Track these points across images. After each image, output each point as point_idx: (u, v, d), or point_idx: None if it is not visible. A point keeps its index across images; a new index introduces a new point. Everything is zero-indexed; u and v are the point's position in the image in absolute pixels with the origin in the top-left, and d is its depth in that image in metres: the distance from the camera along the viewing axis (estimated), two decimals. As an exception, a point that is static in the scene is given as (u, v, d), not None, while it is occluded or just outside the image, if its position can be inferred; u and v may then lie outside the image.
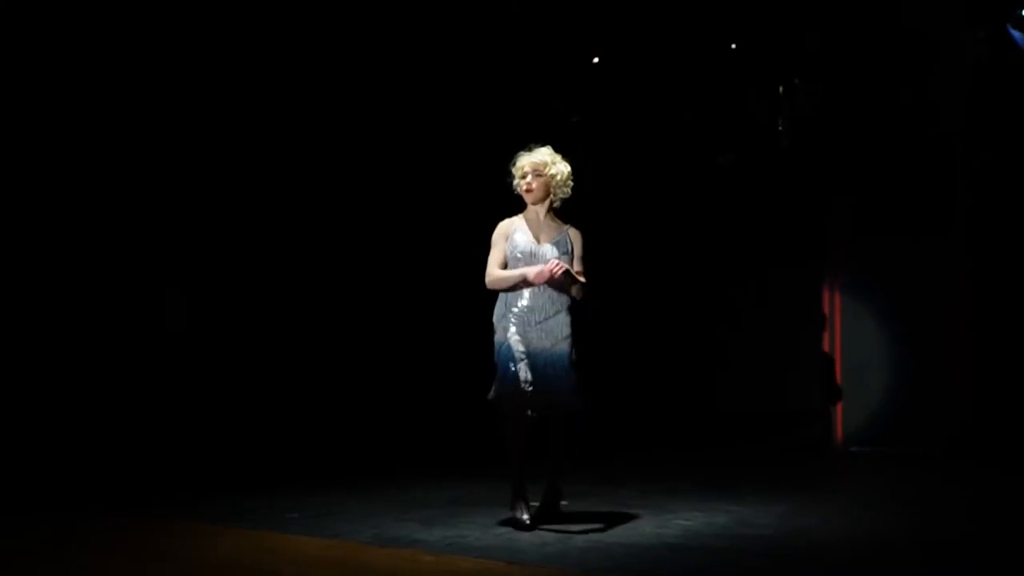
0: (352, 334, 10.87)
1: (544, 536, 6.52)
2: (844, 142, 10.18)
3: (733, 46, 10.26)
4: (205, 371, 10.36)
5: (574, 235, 7.05)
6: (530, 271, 6.83)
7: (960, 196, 9.89)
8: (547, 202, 6.99)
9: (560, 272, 6.74)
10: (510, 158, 7.01)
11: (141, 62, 9.95)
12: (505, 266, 6.93)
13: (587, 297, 6.95)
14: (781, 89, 10.15)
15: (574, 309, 6.94)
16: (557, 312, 6.85)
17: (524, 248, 6.92)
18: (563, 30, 10.55)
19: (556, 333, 6.83)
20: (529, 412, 6.71)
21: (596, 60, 10.66)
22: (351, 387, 10.66)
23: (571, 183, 6.99)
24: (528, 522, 6.74)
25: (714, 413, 10.74)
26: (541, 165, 6.93)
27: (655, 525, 6.86)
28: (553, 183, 6.95)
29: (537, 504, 6.98)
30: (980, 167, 9.76)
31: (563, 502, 7.16)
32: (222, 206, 10.55)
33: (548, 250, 6.90)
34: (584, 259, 7.02)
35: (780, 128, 10.04)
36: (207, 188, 10.47)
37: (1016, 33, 9.24)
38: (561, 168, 6.97)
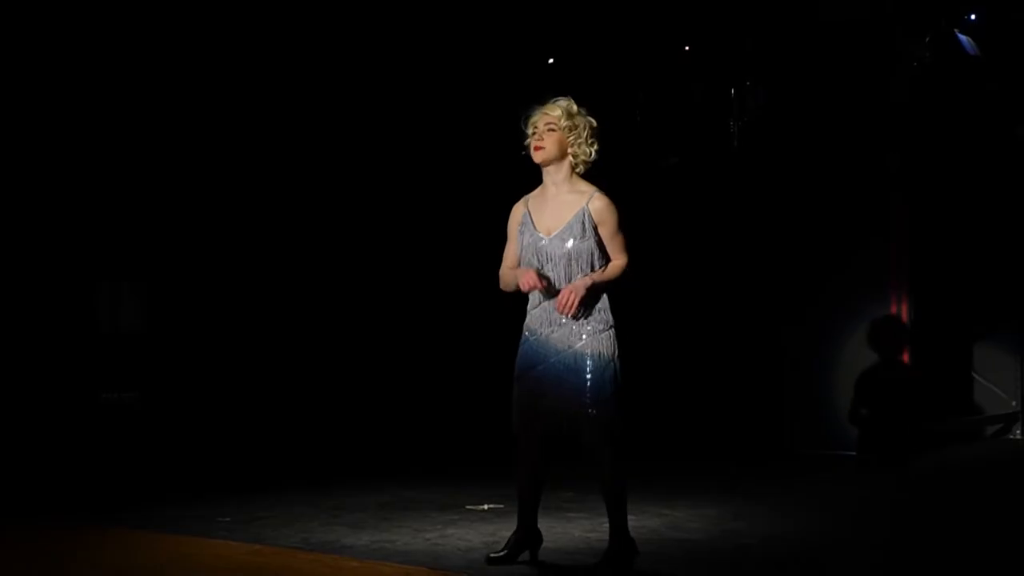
0: (286, 337, 10.75)
1: (471, 542, 6.47)
2: (787, 146, 10.22)
3: (687, 48, 10.27)
4: (168, 373, 10.28)
5: (597, 209, 5.65)
6: (519, 277, 5.71)
7: (893, 204, 9.89)
8: (564, 165, 5.74)
9: (571, 308, 5.56)
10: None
11: (114, 55, 9.86)
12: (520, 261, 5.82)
13: (629, 280, 5.78)
14: (732, 91, 10.14)
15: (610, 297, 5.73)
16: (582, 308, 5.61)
17: (528, 242, 5.73)
18: (517, 30, 10.51)
19: (576, 334, 5.64)
20: (531, 433, 5.73)
21: (551, 61, 10.62)
22: (288, 391, 10.55)
23: (595, 142, 5.75)
24: (490, 556, 5.88)
25: (663, 417, 10.66)
26: (555, 118, 5.69)
27: (586, 529, 6.83)
28: (571, 139, 5.71)
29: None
30: (901, 174, 9.80)
31: (485, 506, 7.04)
32: (199, 201, 10.47)
33: (554, 246, 5.67)
34: (618, 233, 5.71)
35: (731, 129, 10.02)
36: (197, 184, 10.38)
37: (964, 38, 9.23)
38: (581, 121, 5.72)
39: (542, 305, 5.70)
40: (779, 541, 6.61)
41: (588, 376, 5.57)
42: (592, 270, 5.66)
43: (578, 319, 5.61)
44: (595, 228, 5.65)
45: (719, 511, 7.37)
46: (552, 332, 5.66)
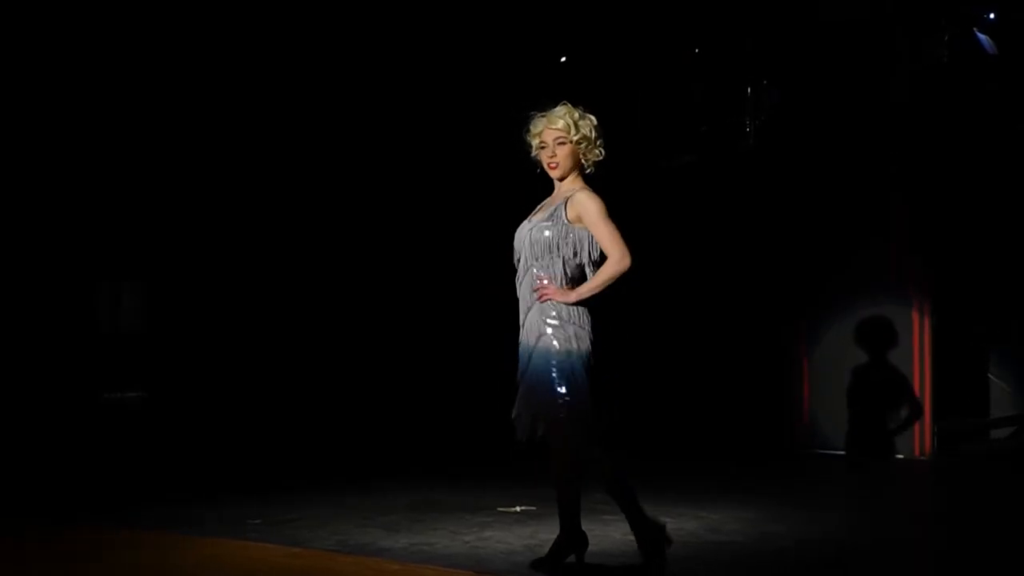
0: (315, 339, 10.70)
1: (511, 544, 6.40)
2: (786, 147, 10.23)
3: (696, 50, 10.28)
4: (169, 373, 10.20)
5: (573, 201, 5.57)
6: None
7: (893, 204, 9.93)
8: (577, 172, 5.72)
9: (541, 292, 5.56)
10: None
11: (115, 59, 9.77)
12: None
13: (621, 282, 5.58)
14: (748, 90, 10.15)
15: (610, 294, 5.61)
16: (536, 301, 5.59)
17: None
18: (528, 30, 10.48)
19: (537, 328, 5.55)
20: (524, 436, 5.63)
21: (563, 59, 10.59)
22: (288, 390, 10.49)
23: (601, 139, 5.69)
24: (535, 560, 5.83)
25: (685, 418, 10.67)
26: (563, 130, 5.64)
27: (624, 532, 6.71)
28: (582, 147, 5.67)
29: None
30: (900, 174, 9.82)
31: (517, 507, 6.96)
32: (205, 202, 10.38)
33: (523, 233, 5.67)
34: (601, 224, 5.53)
35: (748, 128, 10.04)
36: (196, 185, 10.29)
37: (983, 37, 9.27)
38: (585, 128, 5.66)
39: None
40: (816, 544, 6.55)
41: (554, 377, 5.49)
42: (552, 256, 5.56)
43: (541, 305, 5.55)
44: (569, 220, 5.56)
45: (756, 513, 7.33)
46: (523, 325, 5.62)
